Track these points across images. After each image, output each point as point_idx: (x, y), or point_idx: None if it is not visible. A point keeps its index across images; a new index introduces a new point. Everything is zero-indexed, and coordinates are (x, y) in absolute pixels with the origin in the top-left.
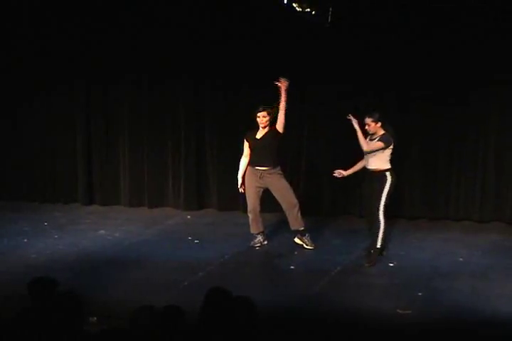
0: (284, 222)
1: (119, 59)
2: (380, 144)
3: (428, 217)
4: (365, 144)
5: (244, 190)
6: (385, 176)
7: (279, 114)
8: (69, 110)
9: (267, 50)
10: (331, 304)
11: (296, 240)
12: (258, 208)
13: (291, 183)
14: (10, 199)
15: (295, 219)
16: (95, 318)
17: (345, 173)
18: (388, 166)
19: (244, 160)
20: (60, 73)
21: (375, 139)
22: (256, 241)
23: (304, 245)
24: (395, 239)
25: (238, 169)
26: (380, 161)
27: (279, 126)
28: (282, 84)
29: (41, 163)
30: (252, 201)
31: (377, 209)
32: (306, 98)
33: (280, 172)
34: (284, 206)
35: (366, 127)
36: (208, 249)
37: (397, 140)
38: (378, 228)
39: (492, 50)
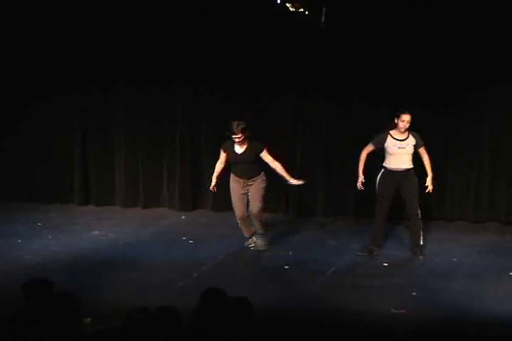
0: (277, 222)
1: (117, 60)
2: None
3: (422, 218)
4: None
5: (215, 189)
6: (415, 174)
7: (274, 162)
8: (65, 111)
9: (261, 50)
10: (325, 304)
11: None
12: (245, 214)
13: (284, 184)
14: (4, 199)
15: (256, 224)
16: (89, 319)
17: (362, 179)
18: None
19: (219, 166)
20: (57, 75)
21: (406, 140)
22: (250, 241)
23: (254, 244)
24: (389, 239)
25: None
26: (411, 160)
27: (267, 158)
28: (294, 182)
29: (37, 163)
30: (239, 209)
31: (418, 207)
32: (300, 97)
33: (264, 177)
34: (250, 211)
35: (403, 124)
36: (202, 250)
37: None
38: (420, 226)
39: (488, 49)
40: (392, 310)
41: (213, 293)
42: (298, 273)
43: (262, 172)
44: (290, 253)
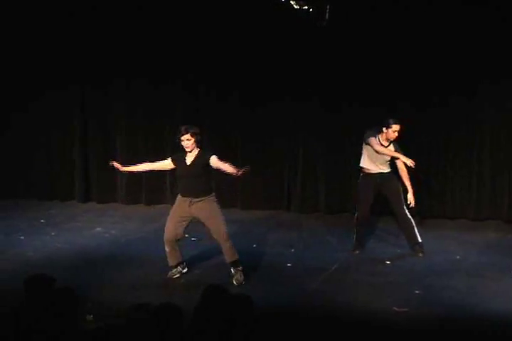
0: (278, 219)
1: (117, 58)
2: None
3: (424, 215)
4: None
5: (114, 164)
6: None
7: (224, 164)
8: (65, 108)
9: (263, 49)
10: (327, 301)
11: (232, 271)
12: (175, 240)
13: (288, 181)
14: (7, 197)
15: (228, 250)
16: (91, 316)
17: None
18: None
19: (146, 165)
20: (56, 73)
21: (388, 146)
22: (174, 271)
23: (233, 279)
24: (391, 237)
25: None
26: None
27: (218, 164)
28: (240, 173)
29: (38, 160)
30: (171, 231)
31: (404, 206)
32: (301, 96)
33: (214, 198)
34: (215, 236)
35: (395, 134)
36: (204, 247)
37: None
38: (412, 223)
39: (483, 50)
40: (394, 307)
41: (215, 290)
42: (300, 270)
43: (213, 194)
44: (292, 250)
